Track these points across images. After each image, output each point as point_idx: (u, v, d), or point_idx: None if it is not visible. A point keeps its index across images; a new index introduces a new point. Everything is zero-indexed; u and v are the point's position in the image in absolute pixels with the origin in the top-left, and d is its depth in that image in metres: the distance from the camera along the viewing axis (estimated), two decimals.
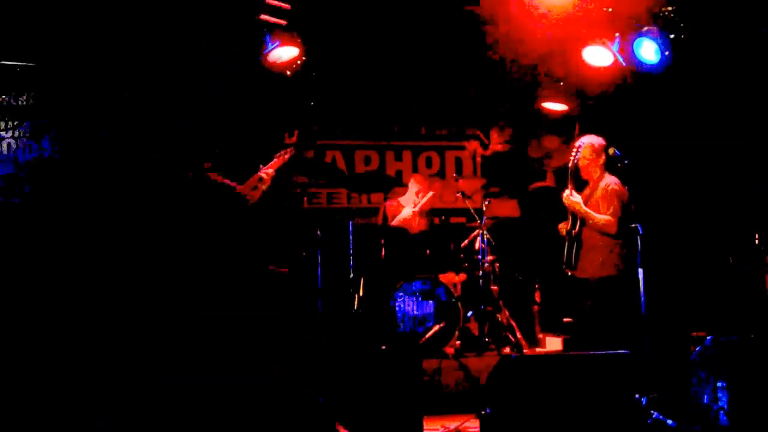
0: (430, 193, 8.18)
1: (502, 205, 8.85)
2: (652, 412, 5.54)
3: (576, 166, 6.62)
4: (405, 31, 7.77)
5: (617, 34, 6.79)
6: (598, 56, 6.98)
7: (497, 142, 9.47)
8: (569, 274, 6.68)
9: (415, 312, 7.57)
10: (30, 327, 5.63)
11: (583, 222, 6.57)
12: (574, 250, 6.61)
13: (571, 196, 6.54)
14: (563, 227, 6.73)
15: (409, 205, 8.28)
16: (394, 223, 8.12)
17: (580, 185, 6.71)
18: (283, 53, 6.78)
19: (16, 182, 7.40)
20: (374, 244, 7.88)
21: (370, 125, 9.24)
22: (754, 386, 5.33)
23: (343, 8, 6.90)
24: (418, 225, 8.19)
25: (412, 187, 8.35)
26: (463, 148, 9.51)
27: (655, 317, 6.18)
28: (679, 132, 8.25)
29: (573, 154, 6.62)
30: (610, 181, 6.59)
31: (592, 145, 6.65)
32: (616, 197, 6.48)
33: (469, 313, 7.66)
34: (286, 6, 6.53)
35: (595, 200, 6.59)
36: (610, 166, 6.67)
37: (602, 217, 6.50)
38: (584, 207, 6.52)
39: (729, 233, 7.79)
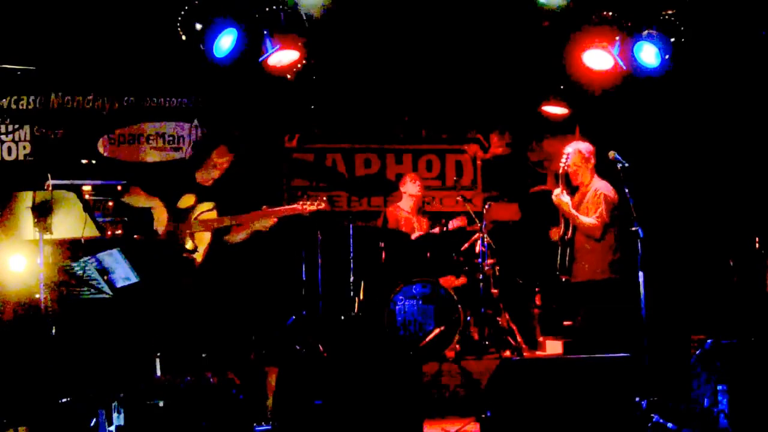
0: (412, 176, 8.28)
1: (502, 209, 8.84)
2: (652, 415, 5.54)
3: (566, 173, 6.67)
4: (405, 33, 7.78)
5: (617, 38, 6.78)
6: (599, 60, 6.97)
7: (497, 146, 9.47)
8: (564, 279, 6.70)
9: (415, 315, 7.56)
10: None
11: (576, 227, 6.61)
12: (567, 256, 6.64)
13: (561, 196, 6.58)
14: (555, 233, 6.75)
15: (408, 206, 8.30)
16: (415, 236, 8.11)
17: (571, 190, 6.75)
18: (284, 56, 6.78)
19: None
20: (374, 247, 7.88)
21: (370, 128, 9.24)
22: (755, 389, 5.33)
23: (344, 11, 6.89)
24: (419, 226, 8.20)
25: (407, 188, 8.36)
26: (463, 151, 9.51)
27: (655, 320, 6.17)
28: (679, 135, 8.26)
29: (562, 160, 6.67)
30: (600, 185, 6.64)
31: (580, 152, 6.69)
32: (604, 202, 6.53)
33: (469, 317, 7.66)
34: None
35: (585, 205, 6.65)
36: (601, 170, 6.70)
37: (588, 220, 6.54)
38: (572, 209, 6.56)
39: (729, 236, 7.80)
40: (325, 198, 6.41)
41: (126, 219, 5.93)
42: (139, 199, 5.90)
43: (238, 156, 6.18)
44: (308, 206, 6.28)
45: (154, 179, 6.02)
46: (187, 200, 6.00)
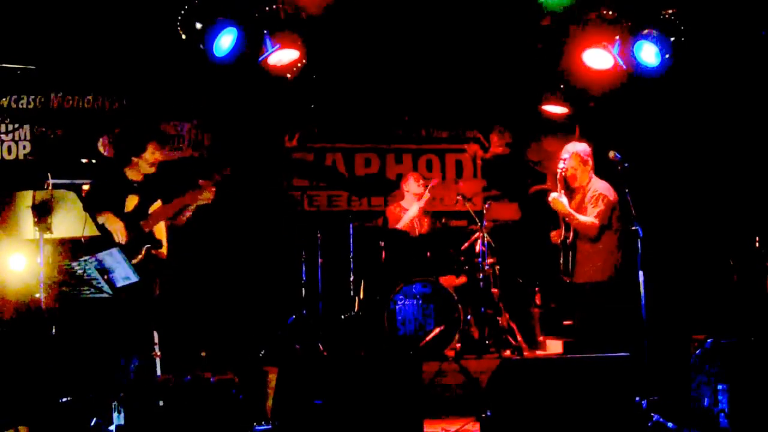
0: (429, 186, 8.19)
1: (503, 208, 8.84)
2: (652, 414, 5.54)
3: (564, 177, 6.65)
4: (405, 33, 7.77)
5: (617, 37, 6.78)
6: (599, 59, 6.97)
7: (497, 145, 9.47)
8: (567, 281, 6.69)
9: (415, 314, 7.56)
10: None
11: (576, 231, 6.60)
12: (570, 259, 6.63)
13: (559, 197, 6.57)
14: (556, 236, 6.74)
15: (411, 204, 8.30)
16: (401, 225, 8.11)
17: (570, 192, 6.73)
18: (284, 56, 6.78)
19: None
20: (374, 246, 7.88)
21: (370, 128, 9.24)
22: (755, 389, 5.33)
23: (344, 10, 6.89)
24: (421, 226, 8.19)
25: (409, 186, 8.36)
26: (463, 150, 9.51)
27: (655, 320, 6.17)
28: (679, 135, 8.26)
29: (560, 165, 6.64)
30: (600, 186, 6.63)
31: (578, 154, 6.67)
32: (602, 202, 6.53)
33: (469, 316, 7.66)
34: None
35: (584, 206, 6.63)
36: (601, 169, 6.69)
37: (585, 219, 6.53)
38: (567, 208, 6.55)
39: (729, 236, 7.79)
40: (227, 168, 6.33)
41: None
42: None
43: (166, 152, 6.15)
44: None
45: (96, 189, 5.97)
46: (131, 201, 5.98)
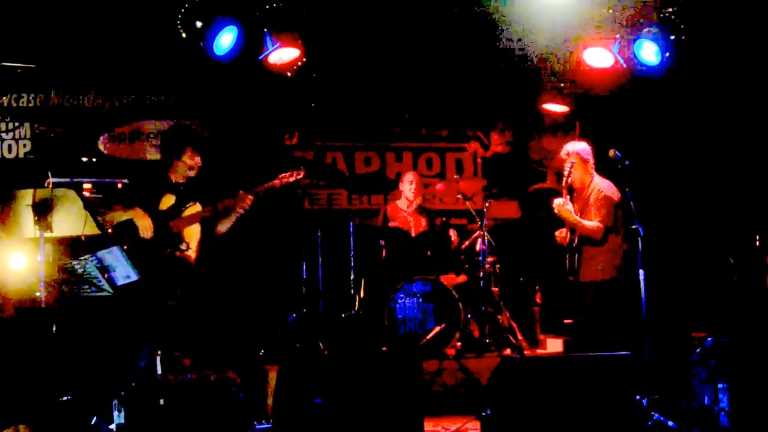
0: (410, 176, 8.18)
1: (503, 207, 8.84)
2: (652, 413, 5.53)
3: (570, 181, 6.60)
4: (406, 32, 7.77)
5: (618, 36, 6.78)
6: (599, 58, 6.97)
7: (498, 144, 9.47)
8: (571, 279, 6.67)
9: (415, 313, 7.56)
10: None
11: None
12: (576, 260, 6.61)
13: (566, 205, 6.51)
14: (561, 237, 6.71)
15: (403, 206, 8.30)
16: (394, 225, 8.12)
17: (571, 193, 6.71)
18: (284, 54, 6.78)
19: None
20: (375, 245, 7.88)
21: (370, 126, 9.24)
22: (755, 387, 5.33)
23: (344, 9, 6.89)
24: (417, 225, 8.18)
25: (405, 185, 8.36)
26: (463, 149, 9.51)
27: (656, 318, 6.17)
28: (679, 133, 8.26)
29: (566, 167, 6.57)
30: (602, 186, 6.58)
31: (579, 155, 6.62)
32: (606, 204, 6.48)
33: (470, 315, 7.66)
34: None
35: (588, 207, 6.58)
36: (601, 169, 6.67)
37: (591, 224, 6.48)
38: (574, 216, 6.50)
39: (730, 234, 7.80)
40: (302, 168, 6.34)
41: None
42: (120, 215, 5.85)
43: (206, 156, 6.16)
44: (284, 180, 6.22)
45: (131, 187, 5.99)
46: (167, 201, 5.99)
